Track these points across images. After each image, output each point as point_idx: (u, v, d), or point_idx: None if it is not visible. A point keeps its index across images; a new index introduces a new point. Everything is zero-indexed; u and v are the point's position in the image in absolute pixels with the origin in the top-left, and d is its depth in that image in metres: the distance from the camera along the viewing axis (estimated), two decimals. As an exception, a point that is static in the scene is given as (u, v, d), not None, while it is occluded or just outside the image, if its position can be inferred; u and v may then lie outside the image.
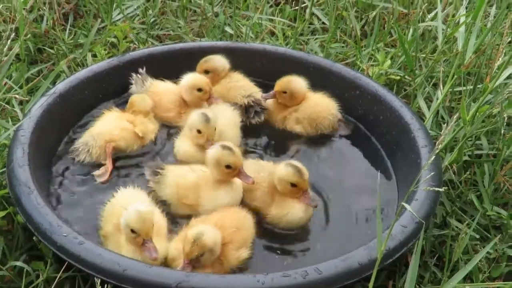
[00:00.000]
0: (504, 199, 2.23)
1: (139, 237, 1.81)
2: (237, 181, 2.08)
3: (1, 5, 2.90)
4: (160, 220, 1.97)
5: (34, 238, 1.84)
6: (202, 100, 2.47)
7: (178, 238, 1.92)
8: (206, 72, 2.56)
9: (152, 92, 2.50)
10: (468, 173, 2.26)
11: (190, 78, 2.47)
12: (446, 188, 2.22)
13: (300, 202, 2.04)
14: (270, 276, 1.67)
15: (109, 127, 2.29)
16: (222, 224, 1.91)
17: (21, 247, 1.95)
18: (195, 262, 1.80)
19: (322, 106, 2.49)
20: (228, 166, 2.03)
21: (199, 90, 2.44)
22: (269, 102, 2.54)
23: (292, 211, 2.04)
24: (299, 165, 2.05)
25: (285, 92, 2.49)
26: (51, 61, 2.85)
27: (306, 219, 2.07)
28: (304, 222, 2.07)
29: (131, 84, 2.55)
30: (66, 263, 1.76)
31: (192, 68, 2.65)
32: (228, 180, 2.07)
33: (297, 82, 2.50)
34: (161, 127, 2.46)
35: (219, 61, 2.58)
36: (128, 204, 1.90)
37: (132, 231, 1.81)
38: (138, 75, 2.53)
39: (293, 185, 2.03)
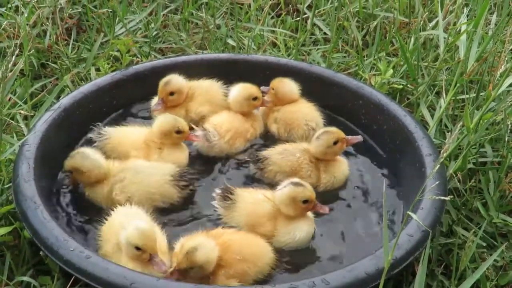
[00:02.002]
0: (510, 206, 2.22)
1: (145, 253, 1.81)
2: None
3: (5, 21, 2.92)
4: (160, 237, 1.95)
5: (40, 252, 1.85)
6: (255, 108, 2.51)
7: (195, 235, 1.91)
8: (171, 94, 2.47)
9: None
10: (473, 181, 2.26)
11: (243, 90, 2.47)
12: (451, 196, 2.22)
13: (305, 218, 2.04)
14: (278, 288, 1.67)
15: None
16: (230, 246, 1.88)
17: (27, 262, 1.95)
18: (184, 272, 1.81)
19: (301, 114, 2.51)
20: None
21: (254, 99, 2.46)
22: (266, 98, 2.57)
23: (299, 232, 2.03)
24: (300, 181, 2.04)
25: (273, 89, 2.54)
26: (54, 76, 2.87)
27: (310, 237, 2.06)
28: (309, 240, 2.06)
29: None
30: (73, 277, 1.76)
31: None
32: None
33: (285, 84, 2.54)
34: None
35: (180, 80, 2.51)
36: (126, 223, 1.89)
37: (137, 248, 1.81)
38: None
39: (305, 201, 2.01)
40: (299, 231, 2.02)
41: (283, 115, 2.52)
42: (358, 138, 2.30)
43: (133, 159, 2.24)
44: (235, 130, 2.41)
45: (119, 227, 1.90)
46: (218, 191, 2.12)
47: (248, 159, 2.31)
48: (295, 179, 2.06)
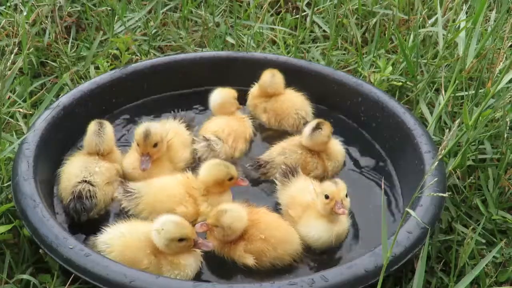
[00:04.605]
0: (509, 203, 2.23)
1: (189, 240, 1.88)
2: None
3: (4, 20, 2.92)
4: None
5: (40, 251, 1.85)
6: (237, 108, 2.53)
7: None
8: (155, 145, 2.19)
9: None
10: (472, 177, 2.26)
11: (227, 91, 2.48)
12: (450, 193, 2.22)
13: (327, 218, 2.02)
14: (277, 285, 1.67)
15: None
16: (258, 223, 1.96)
17: (27, 260, 1.96)
18: (210, 228, 1.96)
19: (291, 103, 2.53)
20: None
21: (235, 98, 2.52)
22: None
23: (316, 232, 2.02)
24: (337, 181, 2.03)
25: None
26: (54, 74, 2.87)
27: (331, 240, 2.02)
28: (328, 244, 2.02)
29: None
30: (72, 275, 1.76)
31: (193, 78, 2.67)
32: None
33: (266, 76, 2.54)
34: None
35: (157, 127, 2.23)
36: (145, 230, 1.90)
37: (180, 239, 1.86)
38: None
39: (326, 196, 1.99)
40: (317, 231, 2.00)
41: (272, 105, 2.54)
42: None
43: (180, 213, 2.04)
44: (235, 132, 2.39)
45: (141, 238, 1.89)
46: (283, 166, 2.19)
47: (250, 167, 2.27)
48: (337, 180, 2.03)
